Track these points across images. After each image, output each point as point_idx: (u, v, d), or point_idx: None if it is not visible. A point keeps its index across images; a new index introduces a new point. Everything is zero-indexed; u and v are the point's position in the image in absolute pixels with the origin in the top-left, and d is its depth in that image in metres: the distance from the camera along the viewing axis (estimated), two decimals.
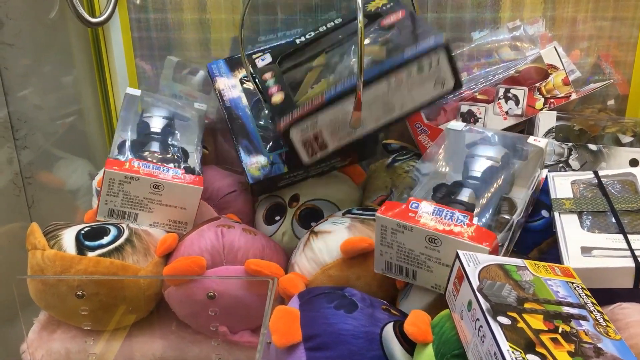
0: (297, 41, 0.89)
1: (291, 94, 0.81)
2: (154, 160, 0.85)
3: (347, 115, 0.76)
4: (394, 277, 0.71)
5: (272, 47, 0.94)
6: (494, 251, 0.64)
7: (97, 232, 0.78)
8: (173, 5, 1.06)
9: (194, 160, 0.91)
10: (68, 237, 0.77)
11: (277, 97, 0.81)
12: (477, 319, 0.52)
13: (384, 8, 0.86)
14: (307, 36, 0.88)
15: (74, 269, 0.74)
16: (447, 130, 0.81)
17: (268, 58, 0.88)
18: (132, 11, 1.06)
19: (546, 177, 0.81)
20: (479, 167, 0.74)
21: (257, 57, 0.89)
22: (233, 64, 0.98)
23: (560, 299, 0.55)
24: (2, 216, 1.02)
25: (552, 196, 0.77)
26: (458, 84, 0.78)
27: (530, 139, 0.77)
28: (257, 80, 0.87)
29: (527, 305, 0.53)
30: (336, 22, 0.89)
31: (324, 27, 0.88)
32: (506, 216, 0.71)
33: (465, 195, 0.71)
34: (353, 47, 0.84)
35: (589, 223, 0.71)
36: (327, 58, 0.87)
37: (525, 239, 0.79)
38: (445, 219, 0.66)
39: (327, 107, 0.76)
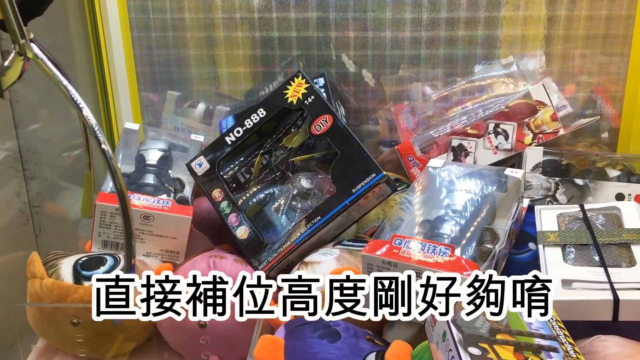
0: (228, 140, 0.90)
1: (255, 229, 0.86)
2: (148, 192, 0.87)
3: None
4: None
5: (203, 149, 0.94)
6: None
7: (93, 262, 0.81)
8: (176, 42, 1.10)
9: (189, 190, 0.93)
10: (66, 267, 0.80)
11: (241, 232, 0.86)
12: (450, 350, 0.54)
13: (306, 103, 0.87)
14: (236, 133, 0.89)
15: (70, 297, 0.77)
16: (427, 167, 0.84)
17: (204, 163, 0.90)
18: (137, 47, 1.11)
19: (534, 210, 0.83)
20: (459, 200, 0.76)
21: (194, 162, 0.91)
22: None
23: (532, 331, 0.56)
24: (10, 244, 1.05)
25: (538, 229, 0.79)
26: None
27: (508, 171, 0.79)
28: (206, 193, 0.90)
29: (499, 337, 0.54)
30: (260, 114, 0.89)
31: (250, 122, 0.89)
32: (489, 245, 0.72)
33: (447, 228, 0.73)
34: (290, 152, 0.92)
35: (572, 256, 0.73)
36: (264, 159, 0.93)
37: (513, 271, 0.80)
38: (428, 252, 0.68)
39: (296, 248, 0.84)
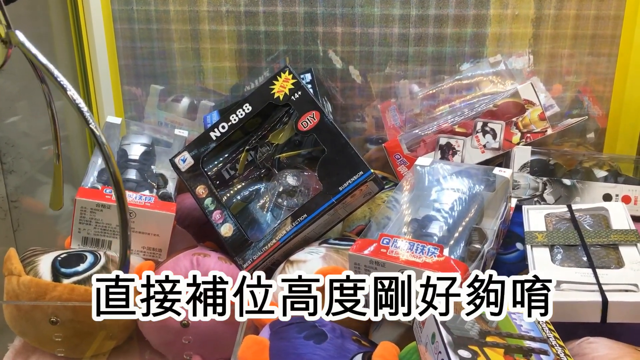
0: (212, 135, 0.88)
1: (240, 227, 0.84)
2: (130, 188, 0.85)
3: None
4: None
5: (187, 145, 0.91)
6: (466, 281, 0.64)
7: (73, 259, 0.79)
8: (160, 34, 1.08)
9: (173, 187, 0.92)
10: (44, 264, 0.78)
11: (226, 229, 0.85)
12: (440, 352, 0.53)
13: (293, 98, 0.85)
14: (221, 129, 0.88)
15: (49, 295, 0.74)
16: (415, 166, 0.83)
17: (188, 158, 0.88)
18: (120, 39, 1.08)
19: (521, 209, 0.83)
20: (447, 199, 0.75)
21: (177, 158, 0.89)
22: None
23: (522, 333, 0.56)
24: None
25: (526, 229, 0.78)
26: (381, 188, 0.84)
27: (496, 170, 0.78)
28: (189, 189, 0.88)
29: (489, 339, 0.54)
30: (246, 109, 0.87)
31: (235, 117, 0.87)
32: (477, 245, 0.72)
33: (435, 228, 0.72)
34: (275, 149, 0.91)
35: (560, 257, 0.72)
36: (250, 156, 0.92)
37: (500, 271, 0.79)
38: (416, 252, 0.67)
39: (281, 247, 0.83)
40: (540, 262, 0.72)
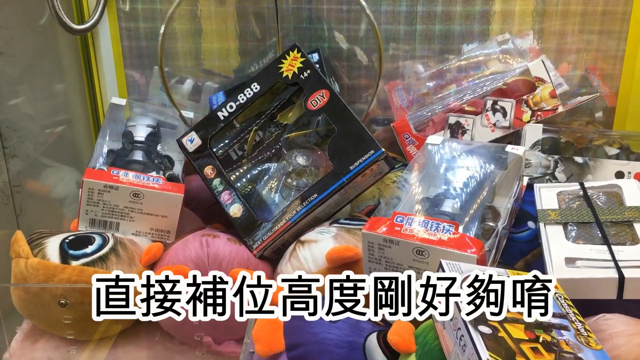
0: (220, 115, 0.87)
1: (248, 206, 0.84)
2: (136, 169, 0.84)
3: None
4: None
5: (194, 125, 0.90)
6: (482, 258, 0.64)
7: (81, 241, 0.78)
8: (163, 15, 1.06)
9: (179, 168, 0.91)
10: (52, 246, 0.77)
11: (235, 209, 0.84)
12: (459, 328, 0.52)
13: (302, 77, 0.84)
14: (229, 109, 0.87)
15: (58, 277, 0.74)
16: (426, 144, 0.82)
17: (196, 139, 0.87)
18: (122, 20, 1.07)
19: (533, 188, 0.82)
20: (459, 178, 0.75)
21: (185, 138, 0.88)
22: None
23: None
24: None
25: (538, 207, 0.78)
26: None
27: (509, 148, 0.77)
28: (197, 170, 0.87)
29: (508, 315, 0.53)
30: (254, 88, 0.86)
31: (243, 97, 0.86)
32: (491, 223, 0.71)
33: (448, 206, 0.71)
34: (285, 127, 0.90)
35: (574, 234, 0.72)
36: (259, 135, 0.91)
37: (512, 250, 0.80)
38: (431, 230, 0.66)
39: (291, 227, 0.82)
40: (554, 239, 0.71)
